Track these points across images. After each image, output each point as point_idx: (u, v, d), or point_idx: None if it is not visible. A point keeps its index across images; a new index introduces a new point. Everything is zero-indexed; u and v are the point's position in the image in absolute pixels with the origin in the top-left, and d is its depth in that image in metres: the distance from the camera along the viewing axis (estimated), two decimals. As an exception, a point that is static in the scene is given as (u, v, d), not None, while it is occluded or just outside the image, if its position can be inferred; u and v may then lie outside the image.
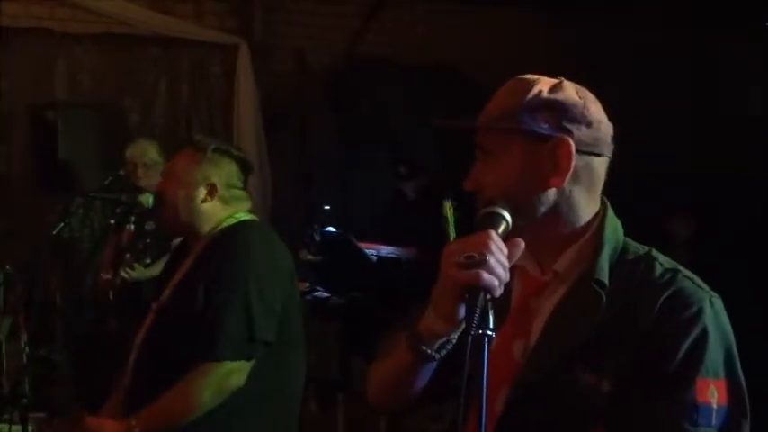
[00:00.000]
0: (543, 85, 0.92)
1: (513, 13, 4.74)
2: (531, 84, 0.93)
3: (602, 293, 0.88)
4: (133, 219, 2.80)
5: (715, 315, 0.87)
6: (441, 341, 0.87)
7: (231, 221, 1.69)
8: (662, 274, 0.89)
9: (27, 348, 2.96)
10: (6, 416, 2.36)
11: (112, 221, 2.14)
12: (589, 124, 0.91)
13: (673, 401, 0.84)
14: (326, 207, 3.95)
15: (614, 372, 0.86)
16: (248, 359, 1.54)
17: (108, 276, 3.25)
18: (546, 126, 0.90)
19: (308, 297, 3.38)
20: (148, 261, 3.16)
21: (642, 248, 0.94)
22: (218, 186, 1.67)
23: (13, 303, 3.12)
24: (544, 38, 4.61)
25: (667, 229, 3.59)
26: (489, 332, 0.76)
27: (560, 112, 0.90)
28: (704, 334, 0.85)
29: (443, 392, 0.99)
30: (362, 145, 4.67)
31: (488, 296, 0.78)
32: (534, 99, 0.91)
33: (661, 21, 4.35)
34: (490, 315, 0.77)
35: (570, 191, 0.91)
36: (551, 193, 0.91)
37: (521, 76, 0.96)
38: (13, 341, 3.17)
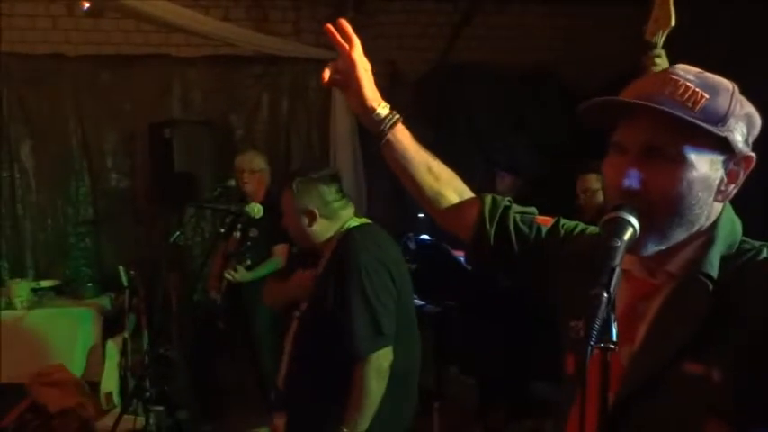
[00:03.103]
0: (737, 90, 0.87)
1: (610, 12, 4.53)
2: (729, 87, 0.87)
3: (709, 284, 0.84)
4: (240, 226, 2.98)
5: None
6: None
7: (344, 231, 1.92)
8: None
9: (148, 346, 3.23)
10: (132, 408, 2.59)
11: (222, 230, 2.29)
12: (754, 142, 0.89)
13: None
14: (421, 215, 3.97)
15: (725, 360, 0.81)
16: (385, 346, 1.81)
17: (216, 282, 3.49)
18: (740, 140, 0.86)
19: (403, 304, 3.41)
20: (249, 263, 3.34)
21: (760, 244, 0.89)
22: (315, 211, 1.90)
23: (137, 305, 3.43)
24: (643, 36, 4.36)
25: None
26: (612, 345, 0.74)
27: (751, 128, 0.88)
28: None
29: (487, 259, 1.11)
30: (457, 152, 4.65)
31: (610, 306, 0.74)
32: (741, 109, 0.86)
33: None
34: (613, 326, 0.74)
35: (718, 204, 0.89)
36: (716, 207, 0.88)
37: (692, 68, 0.87)
38: (136, 339, 3.47)
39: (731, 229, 0.89)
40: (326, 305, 1.83)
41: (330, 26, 1.11)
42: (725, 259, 0.86)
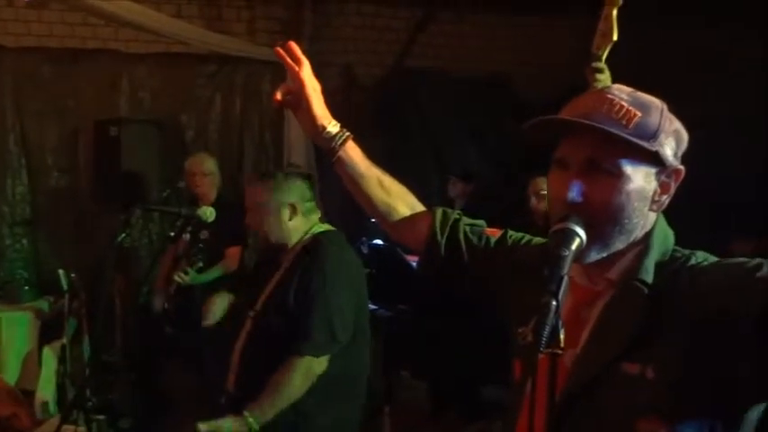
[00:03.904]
0: (666, 108, 0.93)
1: (564, 22, 4.68)
2: (659, 105, 0.93)
3: (645, 290, 0.89)
4: (190, 228, 2.91)
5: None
6: None
7: (309, 236, 1.95)
8: (699, 262, 0.92)
9: (89, 353, 3.11)
10: (73, 418, 2.48)
11: (172, 234, 2.22)
12: (682, 157, 0.94)
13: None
14: (374, 219, 3.97)
15: (659, 360, 0.86)
16: (328, 353, 1.84)
17: (163, 286, 3.38)
18: (670, 154, 0.92)
19: (355, 309, 3.41)
20: (201, 265, 3.27)
21: (689, 252, 0.94)
22: (297, 205, 1.94)
23: (78, 309, 3.29)
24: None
25: (730, 253, 3.47)
26: (559, 351, 0.77)
27: (680, 143, 0.93)
28: (759, 263, 0.84)
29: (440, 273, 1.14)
30: (410, 157, 4.70)
31: (558, 311, 0.77)
32: (670, 125, 0.92)
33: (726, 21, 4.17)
34: (561, 333, 0.77)
35: (652, 214, 0.94)
36: (650, 217, 0.93)
37: (625, 87, 0.93)
38: (75, 345, 3.33)
39: (664, 238, 0.94)
40: (287, 304, 1.84)
41: (279, 48, 1.14)
42: (659, 266, 0.91)
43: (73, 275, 3.24)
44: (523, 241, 1.12)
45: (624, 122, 0.88)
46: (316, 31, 4.66)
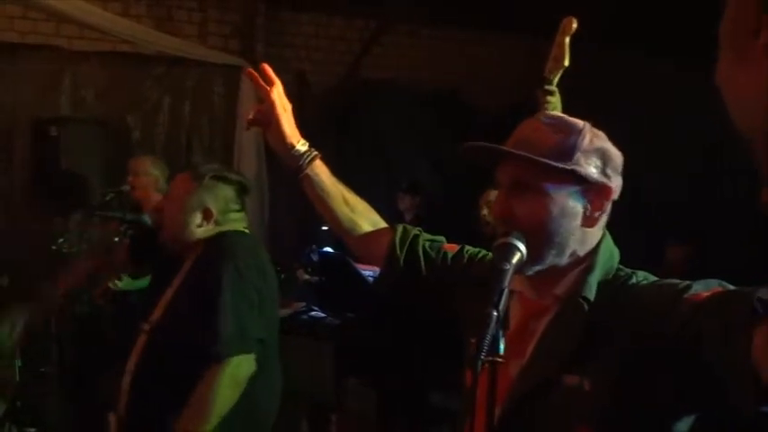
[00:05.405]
0: (588, 129, 0.99)
1: (515, 39, 4.83)
2: (579, 126, 0.98)
3: (585, 305, 0.95)
4: (130, 233, 2.83)
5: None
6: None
7: (212, 233, 1.80)
8: (638, 281, 0.97)
9: (20, 363, 2.95)
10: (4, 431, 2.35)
11: (117, 239, 2.15)
12: (619, 174, 1.00)
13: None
14: (324, 227, 3.98)
15: (595, 373, 0.91)
16: (247, 353, 1.67)
17: (103, 294, 3.26)
18: (595, 171, 0.97)
19: (304, 317, 3.39)
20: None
21: (631, 271, 1.00)
22: (213, 211, 1.79)
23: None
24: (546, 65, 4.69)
25: (664, 257, 3.66)
26: (499, 359, 0.81)
27: (606, 160, 0.98)
28: (687, 284, 0.89)
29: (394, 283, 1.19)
30: (361, 167, 4.72)
31: (499, 322, 0.81)
32: (589, 143, 0.97)
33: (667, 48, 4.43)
34: (501, 342, 0.81)
35: (589, 230, 0.99)
36: (582, 233, 0.98)
37: (555, 113, 1.02)
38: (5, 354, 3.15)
39: (609, 256, 1.00)
40: (190, 304, 1.68)
41: (251, 70, 1.20)
42: (602, 284, 0.97)
43: (4, 280, 3.08)
44: (479, 256, 1.17)
45: (540, 145, 0.95)
46: (268, 38, 4.63)
